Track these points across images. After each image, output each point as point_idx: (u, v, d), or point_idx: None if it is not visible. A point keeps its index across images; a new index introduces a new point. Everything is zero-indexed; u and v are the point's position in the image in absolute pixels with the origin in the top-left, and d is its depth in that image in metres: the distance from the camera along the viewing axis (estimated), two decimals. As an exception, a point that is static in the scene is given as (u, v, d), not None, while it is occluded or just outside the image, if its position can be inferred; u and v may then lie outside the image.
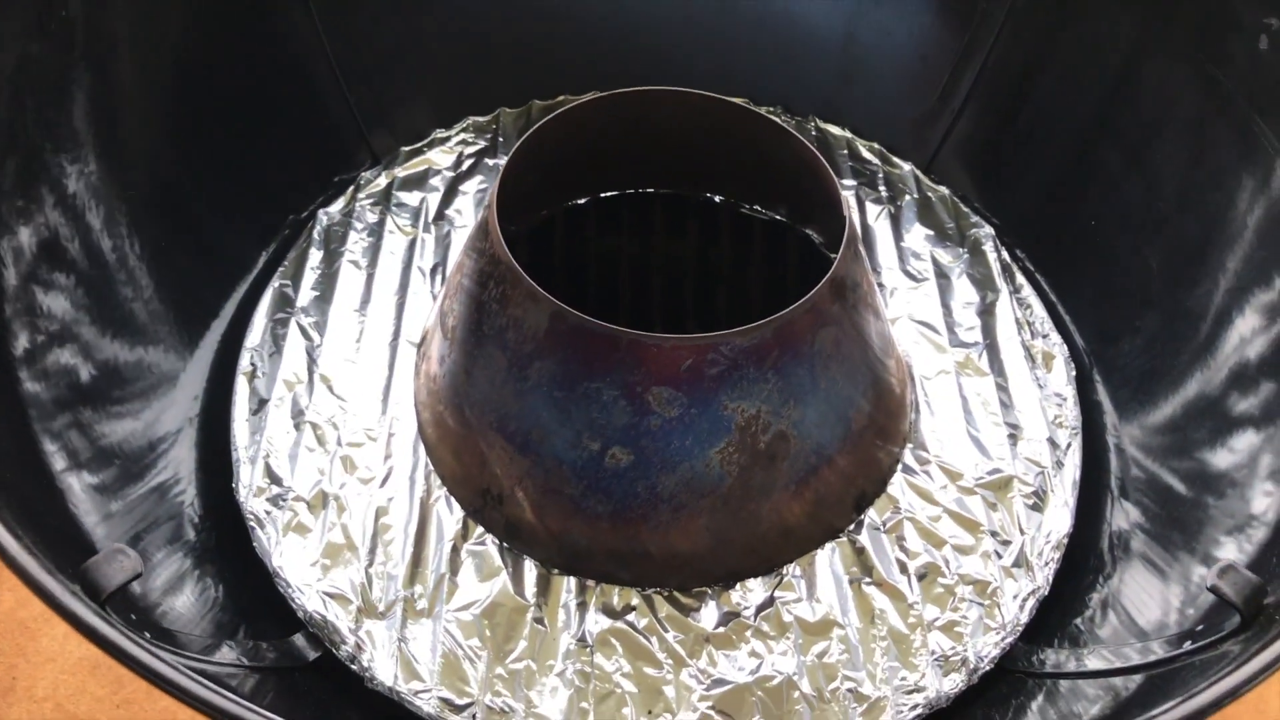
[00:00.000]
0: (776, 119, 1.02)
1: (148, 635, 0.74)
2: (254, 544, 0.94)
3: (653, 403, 0.84)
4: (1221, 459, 0.95)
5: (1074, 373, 1.09)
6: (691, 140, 1.07)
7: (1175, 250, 1.04)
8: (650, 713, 0.87)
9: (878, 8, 1.28)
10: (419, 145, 1.26)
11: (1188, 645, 0.78)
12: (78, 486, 0.85)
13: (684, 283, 1.19)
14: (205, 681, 0.60)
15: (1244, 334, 0.96)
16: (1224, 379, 0.98)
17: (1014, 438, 1.03)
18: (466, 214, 1.20)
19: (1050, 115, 1.19)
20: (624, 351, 0.83)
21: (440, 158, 1.25)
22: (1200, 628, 0.80)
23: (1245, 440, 0.94)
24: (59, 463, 0.86)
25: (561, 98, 1.32)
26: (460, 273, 0.96)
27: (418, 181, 1.22)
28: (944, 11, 1.27)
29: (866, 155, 1.27)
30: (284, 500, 0.97)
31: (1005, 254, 1.18)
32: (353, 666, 0.88)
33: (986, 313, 1.13)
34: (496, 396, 0.90)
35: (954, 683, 0.89)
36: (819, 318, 0.87)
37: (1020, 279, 1.17)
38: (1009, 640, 0.92)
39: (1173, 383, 1.02)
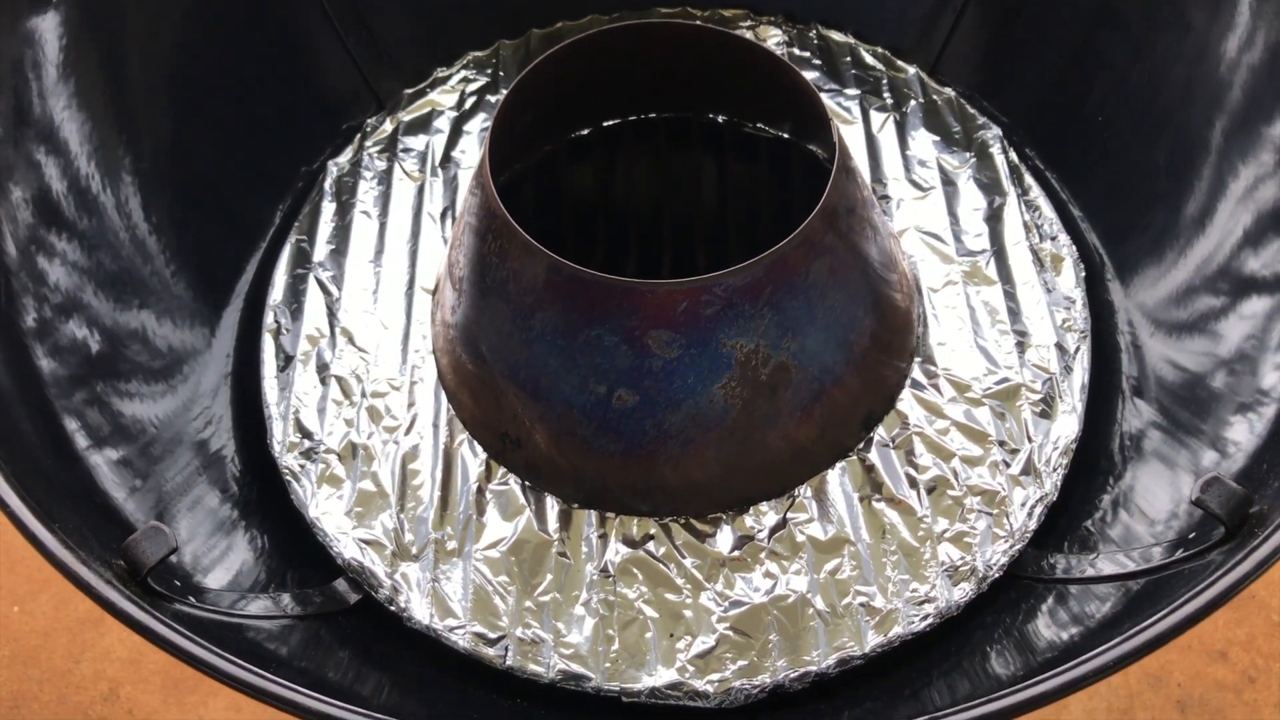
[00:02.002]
0: (769, 45, 1.01)
1: (191, 600, 0.79)
2: (291, 497, 1.00)
3: (652, 345, 0.87)
4: (1233, 329, 0.95)
5: (1084, 274, 1.08)
6: (690, 67, 1.07)
7: (1180, 142, 1.02)
8: (672, 636, 0.92)
9: (875, -97, 1.25)
10: (421, 86, 1.27)
11: (1180, 553, 0.80)
12: (110, 459, 0.90)
13: (693, 206, 1.20)
14: (219, 651, 0.65)
15: (1254, 177, 0.95)
16: (1234, 233, 0.97)
17: (1022, 345, 1.04)
18: (471, 154, 1.21)
19: (1054, 6, 1.16)
20: (620, 298, 0.85)
21: (443, 98, 1.26)
22: (1193, 535, 0.82)
23: (1255, 306, 0.93)
24: (97, 433, 0.92)
25: (560, 25, 1.30)
26: (463, 220, 0.98)
27: (422, 124, 1.24)
28: (943, -98, 1.23)
29: (870, 61, 1.25)
30: (316, 453, 1.01)
31: (1014, 154, 1.17)
32: (391, 608, 0.94)
33: (994, 218, 1.12)
34: (505, 346, 0.93)
35: (964, 592, 0.92)
36: (812, 249, 0.87)
37: (1029, 180, 1.15)
38: (1018, 548, 0.94)
39: (1185, 243, 1.01)
